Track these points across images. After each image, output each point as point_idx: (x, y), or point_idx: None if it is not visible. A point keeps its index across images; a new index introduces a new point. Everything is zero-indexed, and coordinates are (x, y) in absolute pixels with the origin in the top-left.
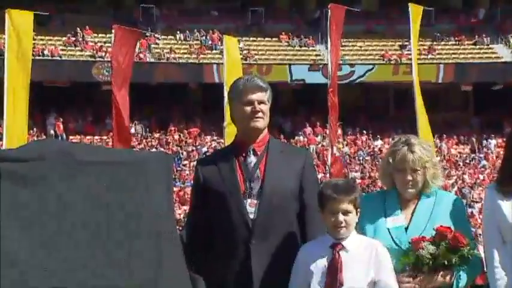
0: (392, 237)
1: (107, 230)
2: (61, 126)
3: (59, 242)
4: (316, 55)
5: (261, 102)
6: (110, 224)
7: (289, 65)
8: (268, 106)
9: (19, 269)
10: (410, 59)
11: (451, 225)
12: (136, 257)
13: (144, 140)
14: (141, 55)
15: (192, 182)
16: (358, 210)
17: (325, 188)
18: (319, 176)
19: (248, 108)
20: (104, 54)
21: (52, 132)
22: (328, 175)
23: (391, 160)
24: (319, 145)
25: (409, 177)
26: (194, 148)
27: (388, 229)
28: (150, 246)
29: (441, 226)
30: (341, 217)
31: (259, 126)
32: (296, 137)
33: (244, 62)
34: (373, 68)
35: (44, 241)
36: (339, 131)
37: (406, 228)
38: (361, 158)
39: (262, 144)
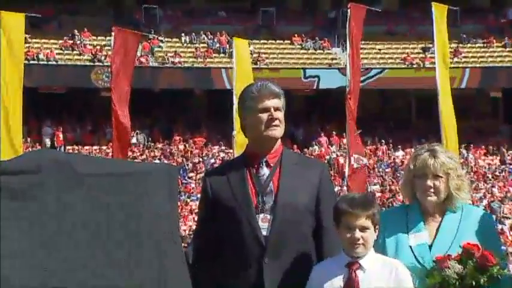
0: (415, 255)
1: (108, 246)
2: (60, 136)
3: (61, 260)
4: (332, 58)
5: (276, 109)
6: (111, 243)
7: (303, 69)
8: (283, 113)
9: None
10: (434, 63)
11: (479, 243)
12: (136, 257)
13: (146, 151)
14: (143, 59)
15: (198, 195)
16: (377, 227)
17: (341, 202)
18: (335, 189)
19: (264, 116)
20: (103, 58)
21: (48, 142)
22: (345, 188)
23: (411, 166)
24: (335, 156)
25: (429, 183)
26: (200, 159)
27: (410, 247)
28: (151, 248)
29: (468, 243)
30: (358, 233)
31: (277, 135)
32: (310, 147)
33: (254, 66)
34: (393, 73)
35: (44, 260)
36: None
37: (430, 246)
38: (380, 170)
39: (276, 156)
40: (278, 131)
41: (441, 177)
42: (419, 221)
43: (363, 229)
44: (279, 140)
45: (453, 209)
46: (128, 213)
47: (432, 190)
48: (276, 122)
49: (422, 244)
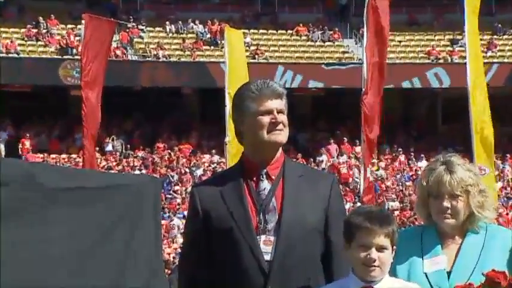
0: (431, 283)
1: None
2: (27, 143)
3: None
4: (344, 52)
5: (280, 111)
6: (91, 265)
7: (309, 64)
8: (286, 116)
9: None
10: (464, 57)
11: (507, 270)
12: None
13: (123, 160)
14: (120, 52)
15: (185, 213)
16: (394, 247)
17: (355, 216)
18: (347, 206)
19: (265, 119)
20: (73, 50)
21: (2, 148)
22: (359, 205)
23: (424, 183)
24: (347, 167)
25: (446, 204)
26: (188, 170)
27: (425, 274)
28: (131, 275)
29: (493, 271)
30: (374, 254)
31: (281, 140)
32: (317, 157)
33: (252, 60)
34: (416, 69)
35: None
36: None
37: (449, 273)
38: (400, 184)
39: (277, 166)
40: (282, 135)
41: (460, 196)
42: (436, 244)
43: (381, 249)
44: (280, 148)
45: (475, 229)
46: (104, 237)
47: (449, 212)
48: (280, 126)
49: (439, 271)
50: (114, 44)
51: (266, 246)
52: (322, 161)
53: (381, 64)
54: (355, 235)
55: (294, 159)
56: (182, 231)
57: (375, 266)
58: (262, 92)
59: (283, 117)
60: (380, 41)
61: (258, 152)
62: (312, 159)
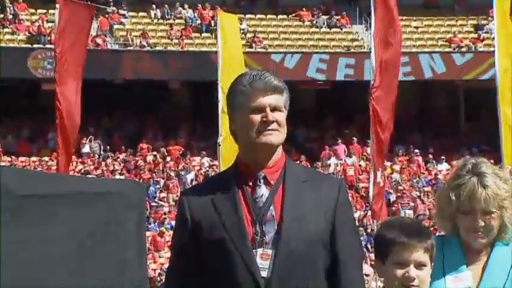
0: None
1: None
2: None
3: None
4: (352, 39)
5: (275, 108)
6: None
7: (313, 53)
8: (284, 114)
9: None
10: (491, 45)
11: None
12: None
13: (102, 163)
14: (100, 40)
15: (172, 223)
16: (432, 264)
17: (388, 230)
18: (356, 214)
19: (257, 117)
20: (45, 38)
21: None
22: (369, 213)
23: (453, 197)
24: (354, 169)
25: (480, 223)
26: (175, 174)
27: None
28: None
29: None
30: (413, 271)
31: (273, 142)
32: (323, 160)
33: (249, 49)
34: (434, 59)
35: None
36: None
37: None
38: (417, 189)
39: (277, 170)
40: (275, 136)
41: (494, 212)
42: (459, 259)
43: (420, 266)
44: (280, 149)
45: (505, 240)
46: (83, 251)
47: (482, 231)
48: (273, 126)
49: None
50: (92, 32)
51: (263, 260)
52: (330, 164)
53: (394, 53)
54: (390, 251)
55: (297, 162)
56: (169, 243)
57: (414, 285)
58: (253, 86)
59: (278, 116)
60: (389, 25)
61: (251, 153)
62: (317, 162)
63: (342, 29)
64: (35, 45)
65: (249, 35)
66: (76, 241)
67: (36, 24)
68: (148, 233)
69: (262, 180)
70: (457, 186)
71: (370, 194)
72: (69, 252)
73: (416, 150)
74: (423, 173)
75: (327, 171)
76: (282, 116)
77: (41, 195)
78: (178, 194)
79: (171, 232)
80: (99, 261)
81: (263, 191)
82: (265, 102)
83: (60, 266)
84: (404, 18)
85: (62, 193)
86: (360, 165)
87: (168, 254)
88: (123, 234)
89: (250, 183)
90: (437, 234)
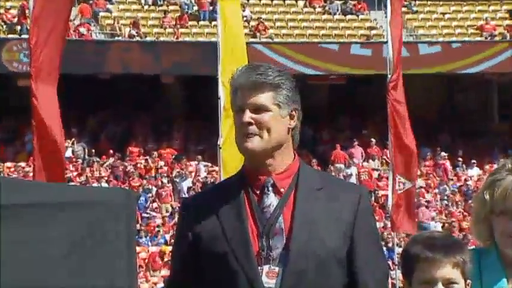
0: None
1: None
2: None
3: None
4: (370, 27)
5: (258, 108)
6: None
7: (326, 43)
8: (275, 115)
9: None
10: None
11: None
12: None
13: (87, 169)
14: (83, 29)
15: (166, 237)
16: (468, 281)
17: (413, 245)
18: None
19: (238, 119)
20: (22, 27)
21: None
22: (389, 224)
23: (487, 196)
24: (376, 176)
25: None
26: (169, 181)
27: None
28: None
29: None
30: None
31: (251, 148)
32: (336, 163)
33: (252, 39)
34: (463, 49)
35: None
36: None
37: None
38: (445, 197)
39: (288, 176)
40: (253, 142)
41: None
42: (498, 274)
43: (449, 283)
44: (291, 151)
45: None
46: (65, 264)
47: None
48: (252, 129)
49: None
50: (75, 21)
51: (269, 279)
52: (344, 168)
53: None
54: (414, 268)
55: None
56: (165, 261)
57: None
58: (236, 82)
59: (262, 117)
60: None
61: (248, 159)
62: (330, 166)
63: (358, 16)
64: (10, 36)
65: (252, 23)
66: (57, 256)
67: (12, 11)
68: (138, 248)
69: (270, 188)
70: (491, 184)
71: (389, 203)
72: (50, 265)
73: (443, 153)
74: (451, 179)
75: (338, 176)
76: (267, 117)
77: (14, 206)
78: (173, 204)
79: (164, 247)
80: (85, 275)
81: (271, 199)
82: (244, 101)
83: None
84: (428, 3)
85: (38, 203)
86: (379, 170)
87: (162, 273)
88: (109, 252)
89: (258, 191)
90: (474, 247)
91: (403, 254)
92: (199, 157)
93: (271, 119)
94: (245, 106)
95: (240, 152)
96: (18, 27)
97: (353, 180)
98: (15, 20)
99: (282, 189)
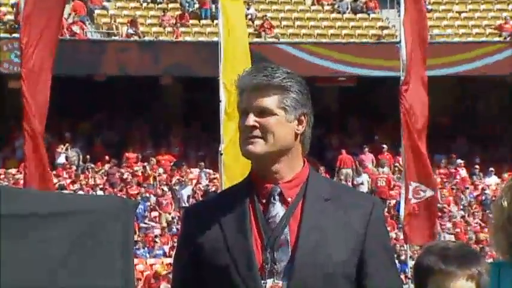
0: None
1: None
2: None
3: None
4: (382, 27)
5: (263, 111)
6: None
7: (335, 44)
8: (281, 119)
9: None
10: None
11: None
12: None
13: (81, 175)
14: (76, 28)
15: (165, 248)
16: None
17: (426, 256)
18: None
19: (241, 121)
20: (15, 26)
21: None
22: (401, 236)
23: (505, 202)
24: (387, 184)
25: None
26: (168, 189)
27: None
28: None
29: None
30: None
31: (253, 152)
32: (344, 169)
33: (257, 39)
34: (481, 50)
35: None
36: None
37: None
38: (461, 207)
39: (297, 185)
40: (256, 145)
41: None
42: None
43: None
44: (300, 158)
45: None
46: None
47: None
48: (255, 132)
49: None
50: (69, 19)
51: None
52: (362, 183)
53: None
54: (428, 281)
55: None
56: (163, 273)
57: None
58: (241, 82)
59: (266, 120)
60: (420, 8)
61: (253, 165)
62: (339, 174)
63: (369, 14)
64: (1, 35)
65: (257, 22)
66: (46, 269)
67: (4, 9)
68: (136, 260)
69: (277, 197)
70: (509, 190)
71: (401, 213)
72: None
73: (460, 161)
74: (468, 188)
75: (346, 183)
76: (272, 121)
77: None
78: (172, 213)
79: (164, 259)
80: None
81: (278, 209)
82: (248, 103)
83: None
84: (444, 1)
85: (29, 213)
86: (390, 178)
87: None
88: (105, 264)
89: (264, 200)
90: (493, 260)
91: (415, 266)
92: (202, 164)
93: (276, 123)
94: (249, 109)
95: (243, 155)
96: (10, 25)
97: (364, 188)
98: (5, 18)
99: (289, 199)
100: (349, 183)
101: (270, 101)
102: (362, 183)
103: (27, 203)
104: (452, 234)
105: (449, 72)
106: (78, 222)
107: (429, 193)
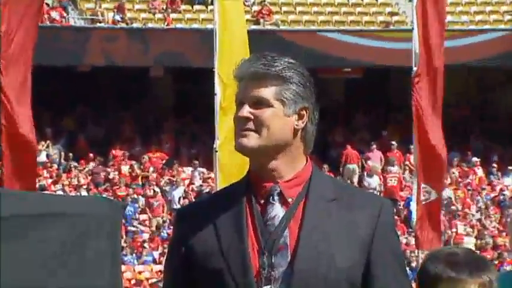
0: None
1: None
2: None
3: None
4: (392, 13)
5: (258, 102)
6: None
7: (339, 31)
8: (278, 112)
9: None
10: None
11: None
12: None
13: (63, 175)
14: (56, 14)
15: (154, 254)
16: None
17: (433, 263)
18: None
19: (236, 113)
20: None
21: None
22: (413, 241)
23: None
24: (397, 184)
25: None
26: (159, 190)
27: None
28: None
29: None
30: None
31: (246, 146)
32: (350, 165)
33: (255, 26)
34: (499, 39)
35: None
36: None
37: None
38: (478, 209)
39: (298, 184)
40: (249, 139)
41: None
42: None
43: None
44: (302, 155)
45: None
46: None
47: None
48: (249, 125)
49: None
50: (49, 2)
51: None
52: (351, 169)
53: (441, 30)
54: None
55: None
56: (152, 281)
57: None
58: (238, 71)
59: (261, 112)
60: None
61: (249, 161)
62: (340, 170)
63: (377, 0)
64: None
65: (255, 8)
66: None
67: None
68: (123, 267)
69: (276, 197)
70: None
71: (413, 216)
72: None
73: (476, 159)
74: (484, 188)
75: (350, 180)
76: (267, 113)
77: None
78: (164, 216)
79: (153, 266)
80: None
81: (277, 210)
82: (244, 93)
83: None
84: None
85: (10, 215)
86: (400, 178)
87: None
88: (90, 271)
89: (262, 200)
90: (507, 269)
91: (420, 274)
92: (196, 162)
93: (271, 116)
94: (245, 99)
95: (235, 149)
96: None
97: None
98: None
99: (289, 199)
100: (355, 182)
101: (267, 92)
102: (369, 184)
103: (7, 205)
104: (469, 236)
105: (463, 61)
106: (61, 225)
107: (433, 196)
